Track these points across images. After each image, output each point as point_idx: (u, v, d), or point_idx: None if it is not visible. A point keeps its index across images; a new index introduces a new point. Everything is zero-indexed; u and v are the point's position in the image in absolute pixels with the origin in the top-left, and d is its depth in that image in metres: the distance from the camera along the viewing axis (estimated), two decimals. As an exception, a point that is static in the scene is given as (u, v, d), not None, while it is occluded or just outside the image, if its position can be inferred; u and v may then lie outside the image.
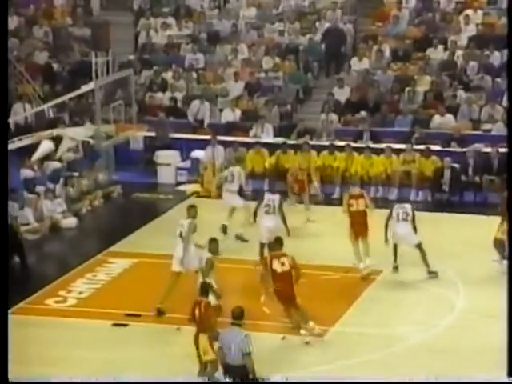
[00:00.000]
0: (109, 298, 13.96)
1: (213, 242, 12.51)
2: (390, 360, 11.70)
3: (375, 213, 14.72)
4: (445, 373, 11.28)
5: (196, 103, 21.76)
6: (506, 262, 14.22)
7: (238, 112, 21.70)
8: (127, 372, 11.35)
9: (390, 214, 14.38)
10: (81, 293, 14.20)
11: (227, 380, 9.77)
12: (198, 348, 10.84)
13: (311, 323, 12.14)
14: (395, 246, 14.36)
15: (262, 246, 14.47)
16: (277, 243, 12.36)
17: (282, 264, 12.00)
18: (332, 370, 11.41)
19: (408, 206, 14.51)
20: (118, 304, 13.54)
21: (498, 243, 14.53)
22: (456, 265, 14.56)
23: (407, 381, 10.22)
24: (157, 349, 12.15)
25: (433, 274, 14.18)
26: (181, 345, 11.93)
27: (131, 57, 23.64)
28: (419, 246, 14.22)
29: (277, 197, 14.94)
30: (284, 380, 10.69)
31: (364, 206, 14.57)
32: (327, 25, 23.45)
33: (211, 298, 11.35)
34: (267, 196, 15.06)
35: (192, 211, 13.55)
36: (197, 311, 10.78)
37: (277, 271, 11.98)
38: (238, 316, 9.94)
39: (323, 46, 23.02)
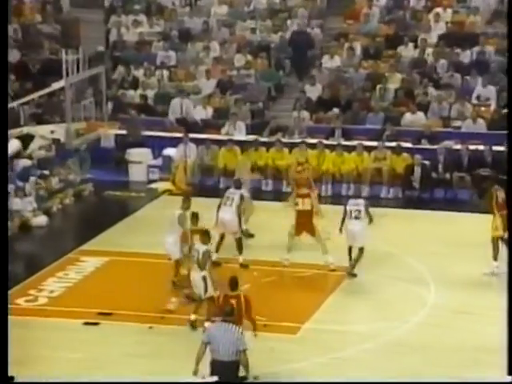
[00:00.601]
0: (80, 296, 13.79)
1: (205, 233, 12.34)
2: (363, 357, 11.68)
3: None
4: (417, 369, 11.29)
5: (176, 101, 21.47)
6: (496, 264, 14.05)
7: (210, 110, 21.59)
8: (98, 372, 11.24)
9: (345, 209, 14.23)
10: (52, 292, 14.02)
11: (214, 378, 9.63)
12: None
13: None
14: (350, 247, 14.21)
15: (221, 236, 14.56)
16: (232, 283, 11.30)
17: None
18: (305, 368, 11.38)
19: (361, 202, 14.29)
20: (90, 303, 13.39)
21: (494, 240, 14.16)
22: (427, 261, 14.57)
23: (407, 381, 10.17)
24: (128, 348, 12.02)
25: (352, 276, 14.03)
26: (153, 343, 11.83)
27: (100, 48, 23.39)
28: (361, 250, 14.05)
29: (238, 192, 14.83)
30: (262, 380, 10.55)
31: (310, 206, 14.47)
32: (295, 26, 23.35)
33: (210, 290, 11.37)
34: (230, 189, 15.01)
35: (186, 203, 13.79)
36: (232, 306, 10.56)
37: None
38: (229, 313, 9.84)
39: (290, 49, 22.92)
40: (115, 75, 22.85)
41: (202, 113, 21.52)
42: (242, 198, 14.79)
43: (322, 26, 23.61)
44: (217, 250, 14.50)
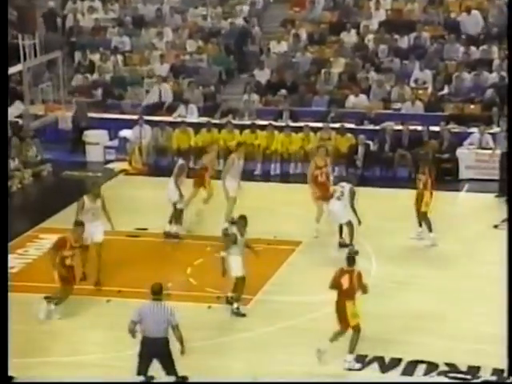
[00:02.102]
0: (40, 272, 13.62)
1: (242, 219, 12.14)
2: (310, 326, 11.77)
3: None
4: (360, 335, 11.44)
5: (155, 88, 21.01)
6: (433, 235, 14.31)
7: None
8: (58, 343, 11.15)
9: (333, 190, 14.36)
10: (12, 268, 13.80)
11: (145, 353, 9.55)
12: (343, 314, 10.54)
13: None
14: (340, 226, 14.28)
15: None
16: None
17: None
18: (255, 337, 11.43)
19: (346, 186, 14.26)
20: (50, 278, 13.22)
21: (423, 216, 14.45)
22: (369, 235, 14.69)
23: (407, 381, 10.26)
24: (86, 320, 11.94)
25: (346, 247, 14.00)
26: (110, 316, 11.77)
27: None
28: (348, 224, 14.11)
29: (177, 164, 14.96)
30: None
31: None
32: (246, 13, 23.17)
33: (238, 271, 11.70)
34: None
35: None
36: (346, 280, 10.57)
37: None
38: (158, 291, 9.71)
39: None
40: (72, 59, 22.51)
41: (156, 96, 21.33)
42: (180, 168, 14.87)
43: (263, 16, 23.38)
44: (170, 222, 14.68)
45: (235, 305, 12.05)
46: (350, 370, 10.58)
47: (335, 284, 10.78)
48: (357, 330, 10.68)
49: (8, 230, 9.46)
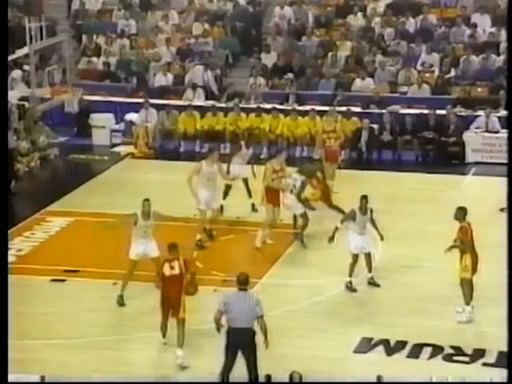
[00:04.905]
0: (47, 255, 13.69)
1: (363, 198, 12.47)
2: (315, 309, 11.79)
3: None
4: (365, 319, 11.45)
5: (199, 68, 20.75)
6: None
7: (170, 76, 21.34)
8: (64, 325, 11.20)
9: (286, 184, 13.83)
10: (20, 250, 13.89)
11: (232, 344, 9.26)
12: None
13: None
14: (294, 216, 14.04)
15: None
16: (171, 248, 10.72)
17: (171, 268, 10.61)
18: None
19: (299, 179, 13.82)
20: (56, 260, 13.29)
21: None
22: (376, 219, 14.65)
23: (407, 381, 10.27)
24: (93, 303, 11.98)
25: (299, 239, 13.86)
26: (115, 299, 11.81)
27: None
28: (302, 216, 13.86)
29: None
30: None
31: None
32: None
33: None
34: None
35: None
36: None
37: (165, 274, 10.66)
38: (244, 281, 9.50)
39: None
40: (78, 43, 22.44)
41: (162, 79, 21.28)
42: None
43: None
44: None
45: (368, 275, 12.43)
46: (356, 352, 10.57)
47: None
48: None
49: (7, 217, 9.35)
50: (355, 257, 12.38)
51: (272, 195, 13.75)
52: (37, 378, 9.19)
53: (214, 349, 9.92)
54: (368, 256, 12.51)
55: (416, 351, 10.68)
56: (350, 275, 12.36)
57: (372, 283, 12.46)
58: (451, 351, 10.62)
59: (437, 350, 10.65)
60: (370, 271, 12.52)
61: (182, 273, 10.44)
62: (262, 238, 13.56)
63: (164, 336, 10.67)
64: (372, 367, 10.05)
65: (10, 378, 8.85)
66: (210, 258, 13.25)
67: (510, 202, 10.74)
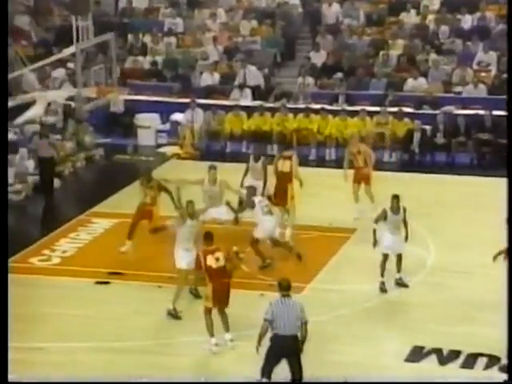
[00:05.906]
0: (92, 256, 13.78)
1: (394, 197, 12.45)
2: (364, 315, 11.67)
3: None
4: (415, 326, 11.28)
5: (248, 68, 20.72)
6: None
7: (217, 76, 21.39)
8: (105, 328, 11.26)
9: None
10: (64, 252, 14.02)
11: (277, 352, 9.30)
12: None
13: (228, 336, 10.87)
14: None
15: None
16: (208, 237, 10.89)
17: (217, 260, 10.71)
18: (310, 325, 11.34)
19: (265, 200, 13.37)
20: (101, 263, 13.38)
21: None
22: (426, 223, 14.47)
23: (407, 381, 10.15)
24: (137, 306, 12.02)
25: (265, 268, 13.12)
26: (161, 302, 11.82)
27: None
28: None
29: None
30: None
31: (289, 168, 14.14)
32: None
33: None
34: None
35: None
36: None
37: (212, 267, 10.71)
38: (287, 287, 9.54)
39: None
40: (124, 42, 22.64)
41: (209, 79, 21.34)
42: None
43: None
44: None
45: (397, 275, 12.40)
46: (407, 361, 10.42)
47: None
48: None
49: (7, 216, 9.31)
50: (385, 256, 12.31)
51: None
52: (49, 379, 9.20)
53: (262, 354, 9.86)
54: (399, 257, 12.40)
55: (470, 361, 10.50)
56: (382, 275, 12.29)
57: (400, 284, 12.40)
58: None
59: (493, 360, 10.44)
60: (398, 271, 12.45)
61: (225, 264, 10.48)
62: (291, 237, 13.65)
63: (212, 334, 10.59)
64: (425, 377, 9.88)
65: (10, 377, 8.89)
66: (255, 261, 13.20)
67: (510, 201, 10.64)
